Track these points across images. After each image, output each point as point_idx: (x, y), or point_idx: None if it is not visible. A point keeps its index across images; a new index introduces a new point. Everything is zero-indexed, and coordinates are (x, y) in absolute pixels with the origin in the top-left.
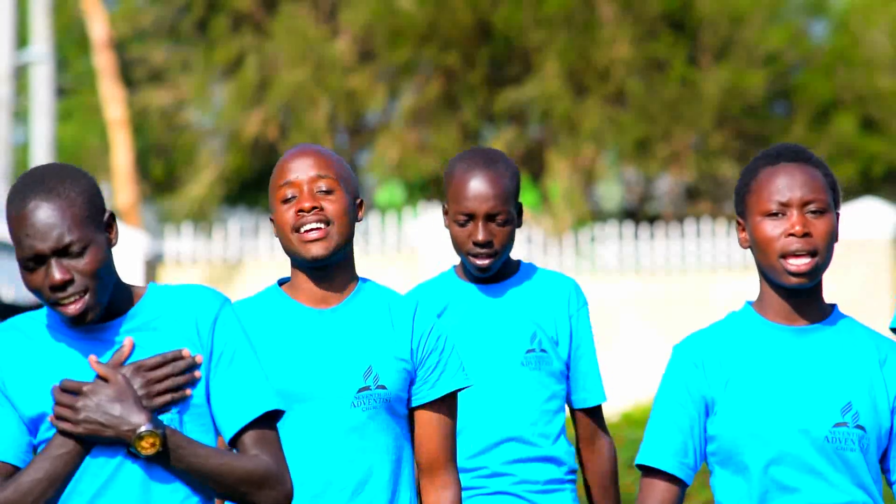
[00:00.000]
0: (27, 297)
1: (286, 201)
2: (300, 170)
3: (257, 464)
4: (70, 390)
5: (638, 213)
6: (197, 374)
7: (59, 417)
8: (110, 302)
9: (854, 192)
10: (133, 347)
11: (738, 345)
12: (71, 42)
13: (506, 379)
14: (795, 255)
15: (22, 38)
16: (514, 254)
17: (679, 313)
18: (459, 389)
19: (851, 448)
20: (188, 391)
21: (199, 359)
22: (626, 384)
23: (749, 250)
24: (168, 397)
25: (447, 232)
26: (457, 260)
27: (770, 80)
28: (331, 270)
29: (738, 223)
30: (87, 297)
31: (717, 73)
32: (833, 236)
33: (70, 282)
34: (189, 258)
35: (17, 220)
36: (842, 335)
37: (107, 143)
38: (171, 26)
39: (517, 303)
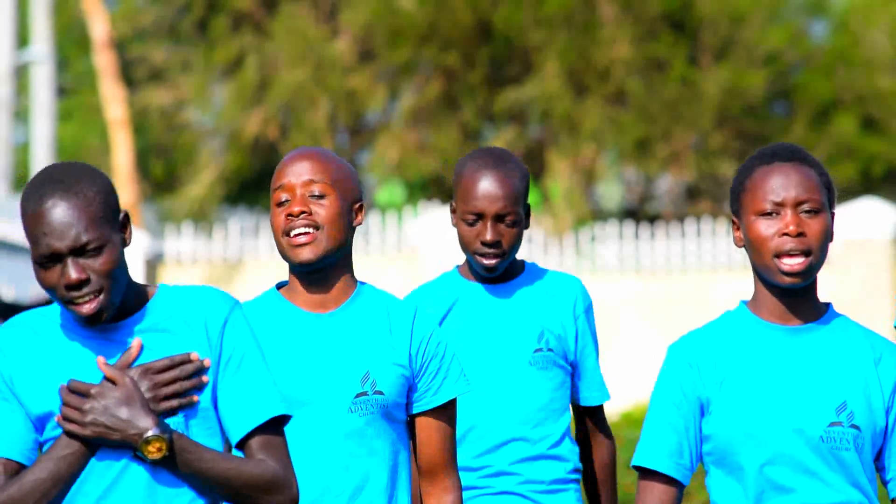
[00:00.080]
0: (27, 296)
1: (280, 204)
2: (294, 174)
3: (263, 469)
4: (77, 391)
5: (638, 213)
6: (204, 378)
7: (65, 418)
8: (122, 302)
9: (854, 192)
10: (141, 349)
11: (732, 344)
12: (71, 42)
13: (513, 378)
14: (790, 254)
15: (22, 38)
16: None
17: (679, 313)
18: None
19: (846, 448)
20: (195, 397)
21: (207, 363)
22: (626, 384)
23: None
24: (175, 402)
25: (447, 232)
26: (457, 260)
27: (770, 80)
28: (326, 274)
29: (733, 222)
30: (101, 296)
31: (717, 73)
32: (827, 236)
33: (86, 281)
34: (189, 258)
35: (35, 218)
36: (836, 334)
37: (107, 142)
38: (171, 26)
39: (524, 303)
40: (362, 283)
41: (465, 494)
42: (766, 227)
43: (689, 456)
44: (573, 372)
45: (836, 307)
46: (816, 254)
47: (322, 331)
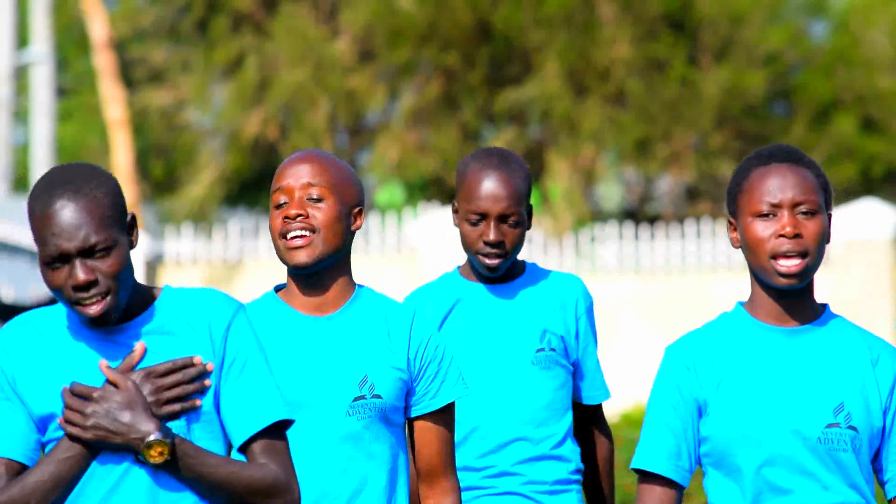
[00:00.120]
0: (27, 297)
1: (278, 206)
2: (294, 176)
3: (265, 473)
4: (80, 394)
5: (638, 214)
6: (207, 382)
7: (67, 421)
8: (126, 304)
9: (854, 192)
10: (145, 352)
11: (729, 346)
12: (71, 42)
13: (516, 378)
14: (786, 255)
15: (22, 38)
16: None
17: (679, 313)
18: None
19: (844, 449)
20: (197, 401)
21: (209, 366)
22: (625, 384)
23: None
24: (177, 406)
25: (447, 233)
26: (457, 261)
27: (770, 80)
28: (323, 277)
29: (730, 223)
30: (108, 298)
31: (717, 73)
32: (824, 237)
33: (94, 282)
34: (189, 258)
35: (43, 219)
36: (833, 335)
37: (107, 143)
38: (171, 26)
39: (526, 303)
40: (360, 286)
41: (469, 495)
42: (762, 229)
43: (687, 458)
44: (574, 371)
45: (837, 307)
46: (813, 255)
47: (320, 334)
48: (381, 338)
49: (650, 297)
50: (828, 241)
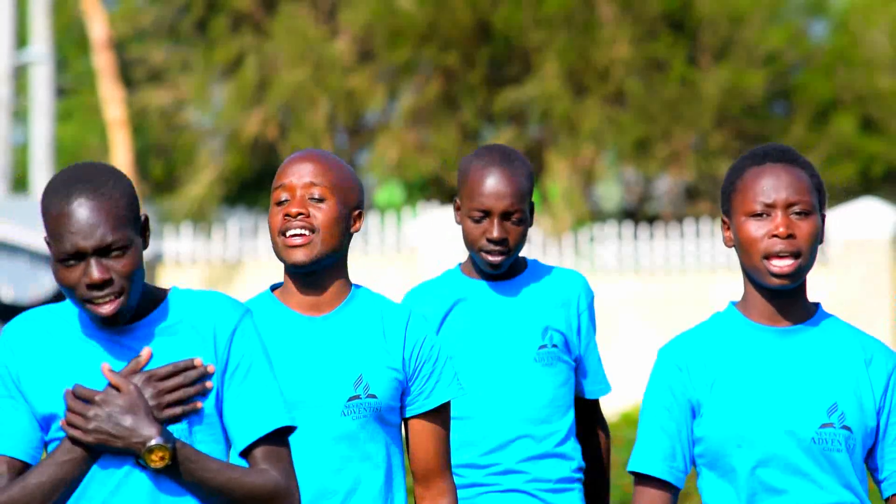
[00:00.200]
0: (27, 297)
1: (279, 203)
2: (296, 174)
3: (266, 479)
4: (82, 397)
5: (637, 214)
6: (208, 384)
7: (69, 424)
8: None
9: (854, 192)
10: (150, 357)
11: (722, 346)
12: (71, 42)
13: (518, 375)
14: (779, 256)
15: (22, 38)
16: None
17: (678, 313)
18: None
19: (838, 449)
20: (199, 403)
21: (210, 368)
22: (625, 384)
23: None
24: (178, 409)
25: (446, 232)
26: (456, 260)
27: (770, 80)
28: (320, 277)
29: (724, 222)
30: (121, 298)
31: (717, 73)
32: (817, 238)
33: (109, 281)
34: (188, 258)
35: (60, 217)
36: (826, 335)
37: (106, 143)
38: (170, 26)
39: (528, 299)
40: (357, 286)
41: (472, 491)
42: (756, 228)
43: (682, 459)
44: (577, 366)
45: (836, 307)
46: (806, 256)
47: (316, 334)
48: (376, 337)
49: (650, 296)
50: (821, 242)
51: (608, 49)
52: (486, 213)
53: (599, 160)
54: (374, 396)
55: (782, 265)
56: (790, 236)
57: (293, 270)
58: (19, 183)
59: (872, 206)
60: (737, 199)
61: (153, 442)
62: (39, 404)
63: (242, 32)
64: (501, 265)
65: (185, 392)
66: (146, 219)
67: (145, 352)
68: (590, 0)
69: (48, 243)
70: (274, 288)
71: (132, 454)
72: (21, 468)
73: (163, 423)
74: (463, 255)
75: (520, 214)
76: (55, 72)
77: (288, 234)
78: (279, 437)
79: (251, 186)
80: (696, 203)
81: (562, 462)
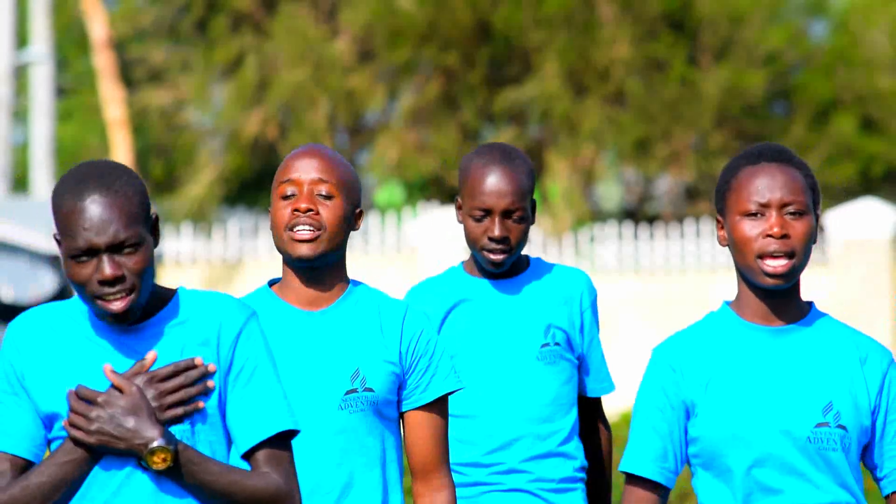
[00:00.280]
0: (26, 297)
1: (285, 198)
2: (304, 170)
3: (268, 482)
4: (85, 398)
5: (637, 214)
6: (210, 383)
7: (72, 424)
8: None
9: (854, 192)
10: (155, 360)
11: (716, 346)
12: (71, 42)
13: (521, 374)
14: (773, 255)
15: (22, 38)
16: None
17: (678, 313)
18: (451, 392)
19: (833, 448)
20: (200, 403)
21: (211, 367)
22: (625, 384)
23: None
24: (180, 410)
25: (446, 232)
26: (456, 260)
27: (770, 80)
28: (321, 273)
29: (718, 221)
30: (132, 295)
31: (717, 73)
32: (811, 238)
33: (121, 278)
34: (188, 258)
35: (72, 213)
36: (820, 334)
37: (106, 143)
38: (170, 26)
39: (531, 298)
40: (355, 281)
41: (475, 490)
42: (750, 228)
43: (673, 459)
44: (580, 364)
45: (836, 307)
46: (800, 256)
47: (313, 328)
48: (373, 332)
49: (650, 296)
50: (814, 242)
51: (608, 49)
52: (488, 212)
53: (599, 160)
54: (371, 390)
55: (776, 265)
56: (784, 236)
57: (297, 265)
58: (19, 183)
59: (872, 206)
60: (731, 199)
61: (156, 443)
62: (43, 402)
63: (242, 32)
64: (503, 263)
65: (187, 392)
66: (157, 217)
67: (150, 355)
68: (590, 0)
69: (57, 240)
70: (272, 283)
71: (134, 455)
72: (24, 466)
73: (165, 425)
74: (463, 255)
75: (521, 212)
76: (55, 72)
77: (296, 229)
78: (282, 441)
79: (251, 186)
80: (696, 203)
81: (565, 461)
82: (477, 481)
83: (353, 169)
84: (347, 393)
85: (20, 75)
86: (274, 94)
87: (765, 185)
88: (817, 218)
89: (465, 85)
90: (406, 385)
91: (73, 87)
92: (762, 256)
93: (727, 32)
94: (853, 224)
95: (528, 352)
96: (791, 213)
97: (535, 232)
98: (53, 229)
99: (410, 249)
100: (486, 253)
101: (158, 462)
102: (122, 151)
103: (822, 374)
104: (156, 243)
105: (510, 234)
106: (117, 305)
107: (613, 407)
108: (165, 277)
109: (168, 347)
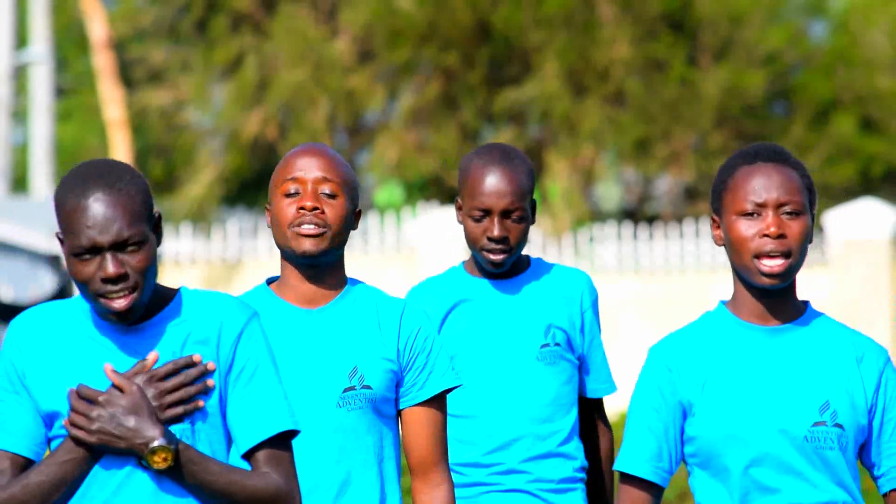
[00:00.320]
0: (26, 296)
1: (289, 195)
2: (308, 168)
3: (268, 482)
4: (86, 398)
5: (637, 214)
6: (210, 382)
7: (72, 424)
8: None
9: (854, 192)
10: (157, 361)
11: (712, 346)
12: (70, 42)
13: (521, 374)
14: (769, 255)
15: (22, 38)
16: None
17: (678, 313)
18: (449, 390)
19: (830, 447)
20: (200, 402)
21: (210, 366)
22: (625, 384)
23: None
24: (180, 409)
25: (446, 232)
26: (456, 260)
27: (770, 80)
28: (321, 271)
29: (713, 220)
30: (135, 293)
31: (716, 73)
32: (807, 238)
33: (124, 276)
34: (188, 258)
35: (76, 211)
36: (817, 333)
37: (106, 143)
38: (170, 26)
39: (531, 298)
40: (353, 280)
41: (475, 490)
42: (746, 228)
43: (668, 459)
44: (580, 365)
45: (836, 307)
46: (796, 255)
47: (311, 326)
48: (371, 329)
49: (649, 296)
50: (811, 242)
51: (608, 49)
52: (487, 212)
53: (599, 160)
54: (369, 387)
55: (773, 265)
56: (781, 236)
57: (300, 261)
58: (19, 183)
59: (872, 206)
60: (728, 198)
61: (156, 443)
62: (44, 401)
63: (242, 32)
64: (503, 263)
65: (187, 391)
66: (159, 216)
67: (152, 355)
68: (590, 0)
69: (60, 238)
70: (270, 282)
71: (135, 455)
72: (24, 464)
73: (166, 424)
74: (463, 255)
75: (521, 212)
76: (55, 72)
77: (301, 226)
78: (282, 441)
79: (251, 186)
80: (695, 203)
81: (565, 462)
82: (476, 481)
83: (352, 169)
84: (345, 391)
85: (20, 75)
86: (274, 94)
87: (761, 185)
88: (813, 218)
89: (465, 85)
90: (404, 382)
91: (73, 88)
92: (759, 256)
93: (727, 32)
94: (853, 224)
95: (528, 352)
96: (787, 213)
97: (534, 232)
98: (55, 227)
99: (410, 249)
100: (485, 253)
101: (159, 461)
102: (121, 151)
103: (818, 374)
104: (158, 242)
105: (510, 234)
106: (120, 303)
107: (613, 407)
108: (165, 277)
109: (169, 347)
